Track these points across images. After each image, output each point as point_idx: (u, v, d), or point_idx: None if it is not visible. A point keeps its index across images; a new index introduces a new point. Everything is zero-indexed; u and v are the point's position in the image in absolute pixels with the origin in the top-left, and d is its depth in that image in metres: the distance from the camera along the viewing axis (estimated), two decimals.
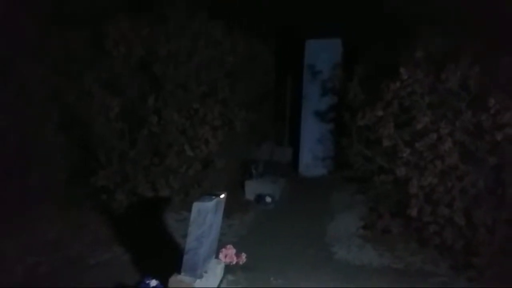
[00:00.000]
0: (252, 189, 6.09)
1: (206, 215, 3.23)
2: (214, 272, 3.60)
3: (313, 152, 7.03)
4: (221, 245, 3.91)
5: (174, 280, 3.27)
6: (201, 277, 3.32)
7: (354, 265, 4.32)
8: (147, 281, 3.32)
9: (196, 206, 3.23)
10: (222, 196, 3.54)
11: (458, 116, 4.10)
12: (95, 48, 4.92)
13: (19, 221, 4.57)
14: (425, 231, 4.38)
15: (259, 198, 5.97)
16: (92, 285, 3.79)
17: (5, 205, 4.52)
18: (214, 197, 3.43)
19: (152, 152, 5.13)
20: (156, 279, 3.35)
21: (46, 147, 4.95)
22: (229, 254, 3.80)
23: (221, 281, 3.72)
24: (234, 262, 3.79)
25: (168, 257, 3.81)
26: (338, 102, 6.66)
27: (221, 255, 3.78)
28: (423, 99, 4.27)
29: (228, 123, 5.64)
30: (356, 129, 4.98)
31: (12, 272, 3.89)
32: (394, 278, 4.04)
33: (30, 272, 3.97)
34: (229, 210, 5.47)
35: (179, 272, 3.31)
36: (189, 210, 3.24)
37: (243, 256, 3.83)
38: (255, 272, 3.91)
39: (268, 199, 5.94)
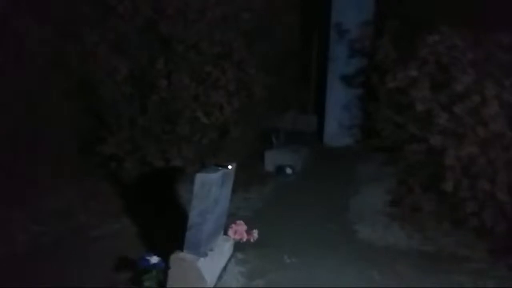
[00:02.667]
0: (272, 159, 5.68)
1: (210, 188, 2.88)
2: (221, 250, 3.30)
3: (339, 120, 6.49)
4: (233, 220, 3.57)
5: (175, 258, 2.99)
6: (205, 255, 3.02)
7: (378, 246, 3.89)
8: (147, 257, 3.05)
9: (199, 178, 2.89)
10: (230, 167, 3.17)
11: (507, 75, 3.48)
12: (99, 5, 4.53)
13: (27, 191, 4.43)
14: (461, 210, 3.89)
15: (279, 169, 5.57)
16: (95, 257, 3.60)
17: (13, 175, 4.37)
18: (220, 168, 3.08)
19: (163, 119, 4.80)
20: (157, 256, 3.07)
21: (53, 115, 4.73)
22: (239, 230, 3.46)
23: (229, 260, 3.42)
24: (245, 239, 3.46)
25: (178, 230, 3.53)
26: (368, 64, 6.04)
27: (230, 232, 3.45)
28: (464, 55, 3.65)
29: (245, 88, 5.20)
30: (385, 93, 4.42)
31: (14, 241, 3.76)
32: (423, 262, 3.60)
33: (32, 241, 3.83)
34: (246, 183, 5.16)
35: (181, 249, 3.01)
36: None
37: (255, 232, 3.49)
38: (267, 250, 3.59)
39: (289, 171, 5.52)
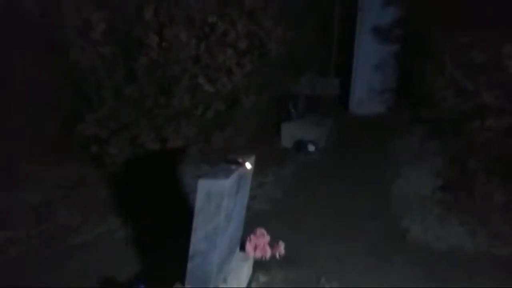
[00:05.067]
0: (290, 134, 4.86)
1: (220, 201, 1.93)
2: (237, 276, 2.39)
3: (369, 83, 5.49)
4: (248, 219, 2.64)
5: None
6: None
7: (438, 251, 3.05)
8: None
9: (204, 186, 1.93)
10: (248, 164, 2.20)
11: None
12: None
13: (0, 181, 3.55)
14: None
15: (299, 145, 4.74)
16: (72, 276, 2.79)
17: None
18: (234, 166, 2.11)
19: (156, 88, 3.77)
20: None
21: (26, 87, 3.73)
22: (260, 244, 2.55)
23: (249, 283, 2.53)
24: (268, 256, 2.56)
25: (181, 235, 2.63)
26: (407, 13, 4.89)
27: (248, 247, 2.55)
28: None
29: (258, 45, 4.12)
30: (449, 50, 3.33)
31: None
32: (501, 272, 2.75)
33: None
34: (261, 163, 4.19)
35: (183, 281, 2.11)
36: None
37: (281, 246, 2.58)
38: (298, 269, 2.70)
39: (311, 147, 4.73)
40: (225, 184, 1.93)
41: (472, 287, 2.66)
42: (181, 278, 2.11)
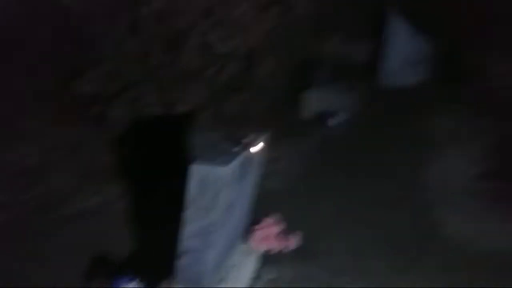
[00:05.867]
0: (313, 103, 4.36)
1: (217, 190, 1.52)
2: (239, 273, 2.00)
3: (404, 50, 4.87)
4: (257, 201, 2.26)
5: None
6: None
7: (476, 252, 2.56)
8: (123, 285, 1.83)
9: (198, 172, 1.52)
10: (257, 146, 1.76)
11: None
12: None
13: None
14: None
15: (323, 117, 4.24)
16: (62, 251, 2.55)
17: None
18: (238, 148, 1.68)
19: (161, 44, 3.31)
20: (138, 281, 1.83)
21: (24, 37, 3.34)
22: (268, 236, 2.16)
23: (254, 281, 2.15)
24: (277, 250, 2.18)
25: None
26: None
27: (254, 238, 2.16)
28: None
29: None
30: None
31: None
32: None
33: None
34: (277, 136, 3.77)
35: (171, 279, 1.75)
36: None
37: (292, 238, 2.19)
38: (312, 265, 2.30)
39: (335, 120, 4.22)
40: (225, 171, 1.51)
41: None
42: (169, 275, 1.75)
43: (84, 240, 2.63)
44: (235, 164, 1.56)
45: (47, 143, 3.69)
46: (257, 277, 2.16)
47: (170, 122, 3.46)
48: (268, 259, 2.21)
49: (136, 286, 1.88)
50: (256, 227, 2.17)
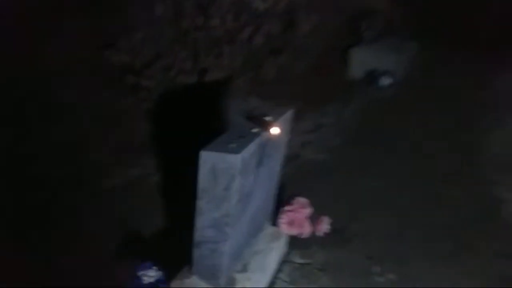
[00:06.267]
0: (360, 62, 4.00)
1: (230, 181, 1.38)
2: (263, 261, 1.89)
3: None
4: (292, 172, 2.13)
5: (179, 283, 1.69)
6: (231, 284, 1.68)
7: None
8: (143, 272, 1.80)
9: (207, 160, 1.38)
10: (276, 128, 1.56)
11: None
12: None
13: None
14: None
15: (371, 77, 3.90)
16: (95, 227, 2.53)
17: None
18: (256, 129, 1.51)
19: (193, 6, 3.11)
20: (156, 269, 1.79)
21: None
22: (297, 218, 2.01)
23: (279, 268, 2.05)
24: (307, 234, 2.03)
25: None
26: None
27: (282, 221, 2.02)
28: None
29: None
30: None
31: None
32: None
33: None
34: (321, 97, 3.51)
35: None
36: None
37: (324, 221, 2.03)
38: (346, 251, 2.13)
39: (386, 80, 3.86)
40: (237, 159, 1.34)
41: None
42: (188, 264, 1.68)
43: (119, 214, 2.62)
44: (249, 149, 1.39)
45: (86, 114, 3.73)
46: (285, 262, 2.06)
47: (203, 90, 3.32)
48: (297, 243, 2.09)
49: (154, 274, 1.86)
50: (285, 209, 2.02)
